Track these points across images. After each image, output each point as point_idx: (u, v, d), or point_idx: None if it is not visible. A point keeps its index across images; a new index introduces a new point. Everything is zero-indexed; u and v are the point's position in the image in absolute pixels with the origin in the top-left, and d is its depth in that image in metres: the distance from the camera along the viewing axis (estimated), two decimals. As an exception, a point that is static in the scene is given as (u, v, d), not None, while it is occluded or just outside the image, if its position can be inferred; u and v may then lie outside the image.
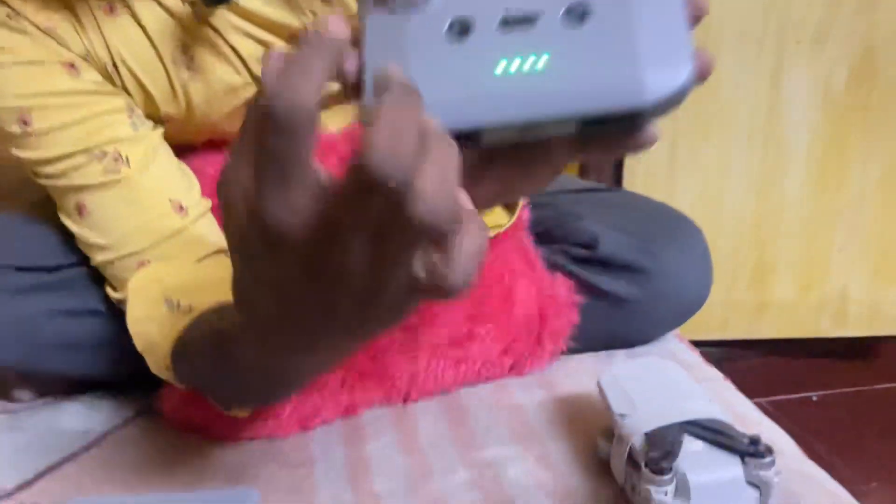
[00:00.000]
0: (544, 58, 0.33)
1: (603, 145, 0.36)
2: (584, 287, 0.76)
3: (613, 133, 0.36)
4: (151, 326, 0.57)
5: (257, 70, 0.68)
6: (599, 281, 0.77)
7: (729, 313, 1.53)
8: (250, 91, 0.69)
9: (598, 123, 0.33)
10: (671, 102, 0.33)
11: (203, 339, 0.51)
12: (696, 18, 0.34)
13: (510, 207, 0.70)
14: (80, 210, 0.63)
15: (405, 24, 0.35)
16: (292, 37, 0.67)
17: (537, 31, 0.33)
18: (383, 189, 0.26)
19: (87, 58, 0.62)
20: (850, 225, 1.49)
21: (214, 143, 0.75)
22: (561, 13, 0.33)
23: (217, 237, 0.64)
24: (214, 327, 0.50)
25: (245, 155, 0.30)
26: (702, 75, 0.34)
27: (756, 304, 1.53)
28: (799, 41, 1.36)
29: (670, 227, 0.81)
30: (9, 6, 0.59)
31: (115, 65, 0.63)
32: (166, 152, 0.66)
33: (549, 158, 0.39)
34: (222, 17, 0.64)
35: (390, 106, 0.26)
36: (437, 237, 0.28)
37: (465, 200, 0.31)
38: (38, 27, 0.60)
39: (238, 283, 0.35)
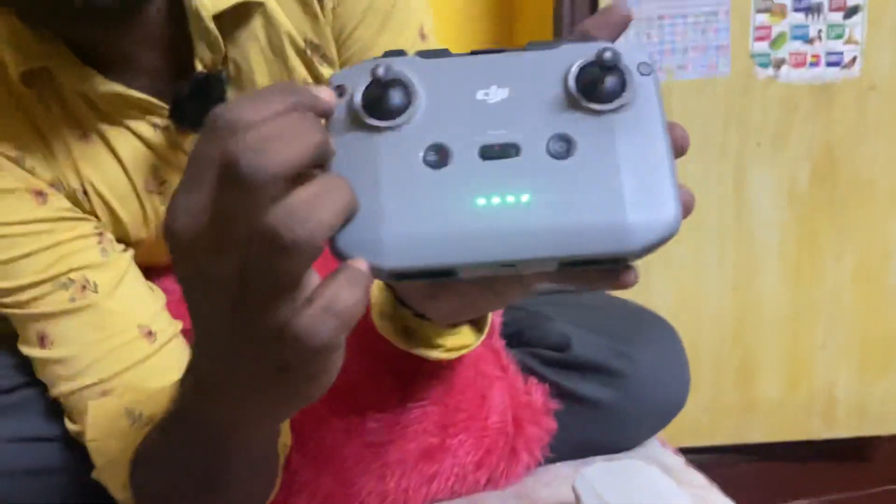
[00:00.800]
0: (527, 194, 0.31)
1: (581, 281, 0.35)
2: (558, 392, 0.74)
3: (593, 272, 0.34)
4: (111, 442, 0.54)
5: None
6: (573, 385, 0.75)
7: (716, 417, 1.50)
8: None
9: (578, 265, 0.32)
10: (657, 246, 0.31)
11: (158, 428, 0.49)
12: (679, 152, 0.34)
13: (478, 325, 0.62)
14: (42, 340, 0.61)
15: (377, 145, 0.32)
16: None
17: (519, 165, 0.31)
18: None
19: (56, 184, 0.61)
20: (830, 320, 1.49)
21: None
22: (544, 145, 0.32)
23: (185, 363, 0.62)
24: (166, 410, 0.47)
25: (195, 183, 0.31)
26: (686, 211, 0.33)
27: (743, 406, 1.50)
28: (759, 144, 1.40)
29: (644, 327, 0.80)
30: None
31: (85, 191, 0.62)
32: (135, 275, 0.65)
33: (522, 282, 0.38)
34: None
35: None
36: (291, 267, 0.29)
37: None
38: (5, 155, 0.59)
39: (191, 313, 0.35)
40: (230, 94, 0.63)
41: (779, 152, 1.41)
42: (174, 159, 0.65)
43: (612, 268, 0.33)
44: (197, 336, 0.36)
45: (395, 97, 0.33)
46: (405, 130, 0.33)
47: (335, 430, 0.67)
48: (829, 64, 1.38)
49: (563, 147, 0.32)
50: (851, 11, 1.37)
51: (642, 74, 0.33)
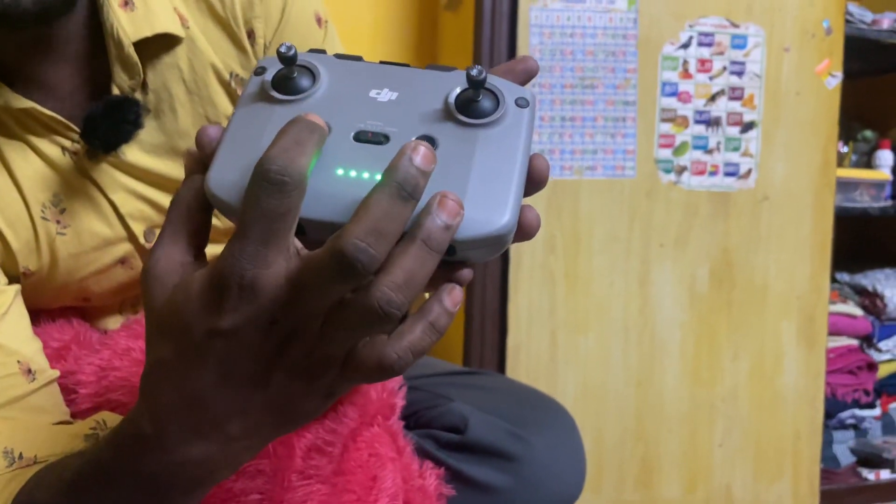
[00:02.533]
0: (379, 174, 0.34)
1: None
2: (453, 476, 0.72)
3: None
4: None
5: (135, 227, 0.65)
6: (469, 469, 0.73)
7: (619, 515, 1.49)
8: (122, 247, 0.65)
9: None
10: (481, 245, 0.34)
11: (57, 485, 0.44)
12: (536, 183, 0.37)
13: None
14: None
15: (272, 112, 0.37)
16: None
17: (385, 150, 0.35)
18: (353, 274, 0.30)
19: None
20: (727, 420, 1.53)
21: (66, 312, 0.70)
22: (411, 139, 0.36)
23: (59, 412, 0.58)
24: (71, 466, 0.43)
25: (177, 233, 0.34)
26: (526, 232, 0.36)
27: (645, 505, 1.50)
28: (662, 245, 1.46)
29: (543, 413, 0.80)
30: None
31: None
32: (19, 309, 0.60)
33: None
34: (105, 172, 0.62)
35: (379, 203, 0.31)
36: (387, 327, 0.32)
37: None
38: None
39: (166, 369, 0.35)
40: (146, 120, 0.62)
41: (680, 254, 1.47)
42: (79, 186, 0.62)
43: (448, 259, 0.35)
44: (169, 382, 0.35)
45: (299, 79, 0.38)
46: (299, 106, 0.37)
47: (212, 501, 0.63)
48: (727, 174, 1.47)
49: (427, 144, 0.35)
50: (747, 126, 1.48)
51: (519, 106, 0.37)
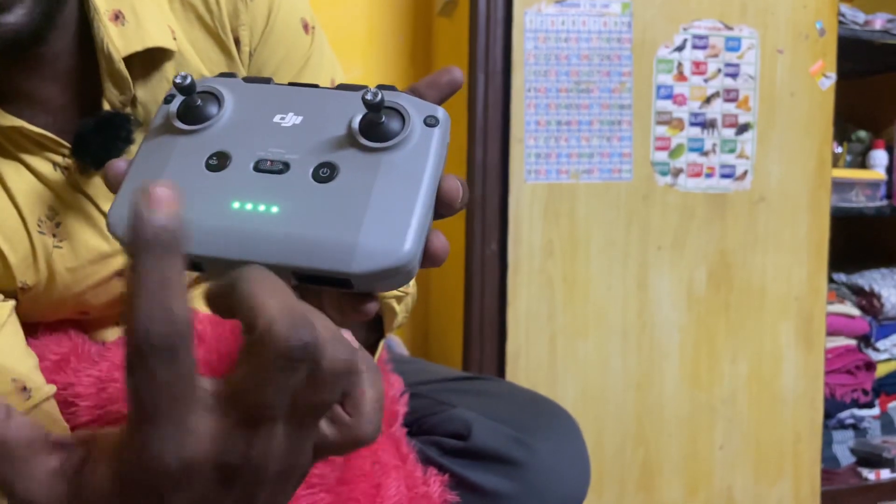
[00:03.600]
0: (277, 206, 0.33)
1: (328, 305, 0.37)
2: (457, 482, 0.72)
3: (336, 295, 0.36)
4: None
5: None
6: (473, 475, 0.73)
7: (621, 519, 1.49)
8: (119, 260, 0.64)
9: (315, 281, 0.33)
10: (382, 277, 0.33)
11: None
12: (446, 205, 0.35)
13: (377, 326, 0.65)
14: None
15: (175, 144, 0.36)
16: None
17: (284, 180, 0.34)
18: (300, 355, 0.26)
19: None
20: (726, 422, 1.52)
21: (64, 324, 0.69)
22: (311, 169, 0.35)
23: (57, 429, 0.57)
24: None
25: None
26: (433, 258, 0.34)
27: (646, 508, 1.50)
28: (660, 247, 1.46)
29: (546, 418, 0.79)
30: None
31: None
32: (14, 327, 0.60)
33: (330, 306, 0.38)
34: (99, 186, 0.62)
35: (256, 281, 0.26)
36: (348, 387, 0.30)
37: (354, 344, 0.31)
38: None
39: None
40: (137, 135, 0.61)
41: (678, 256, 1.47)
42: (72, 201, 0.61)
43: (345, 290, 0.34)
44: None
45: (205, 107, 0.37)
46: (201, 136, 0.36)
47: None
48: (723, 176, 1.48)
49: (327, 173, 0.35)
50: (743, 128, 1.48)
51: (428, 125, 0.36)
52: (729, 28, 1.46)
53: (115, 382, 0.65)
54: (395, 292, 0.63)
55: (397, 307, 0.66)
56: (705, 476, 1.52)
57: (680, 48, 1.44)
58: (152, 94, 0.62)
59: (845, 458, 1.77)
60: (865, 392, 1.78)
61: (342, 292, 0.35)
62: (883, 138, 1.91)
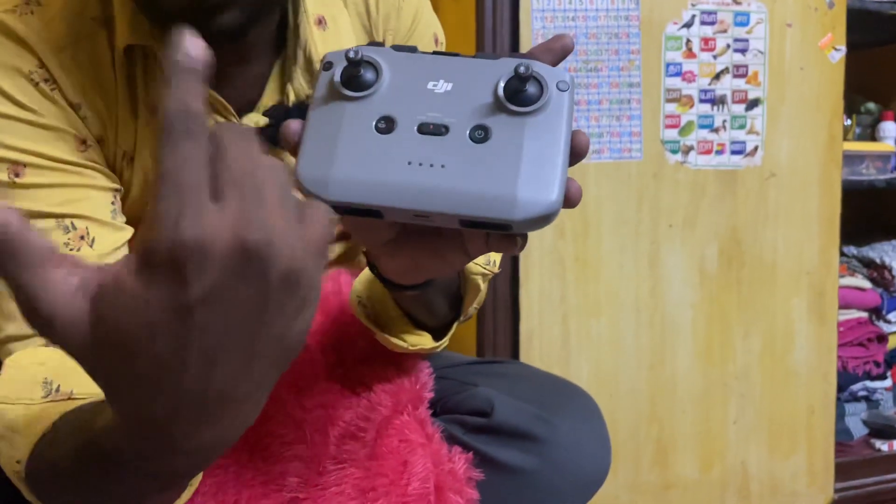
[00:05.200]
0: (442, 164, 0.39)
1: (485, 243, 0.44)
2: (481, 460, 0.73)
3: (491, 235, 0.43)
4: (18, 409, 0.49)
5: None
6: (495, 452, 0.74)
7: (635, 496, 1.50)
8: None
9: (476, 225, 0.40)
10: (538, 220, 0.40)
11: (73, 437, 0.43)
12: (577, 156, 0.42)
13: (437, 335, 0.69)
14: None
15: (344, 109, 0.41)
16: None
17: (445, 140, 0.40)
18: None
19: (101, 141, 0.64)
20: (740, 398, 1.53)
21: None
22: (468, 131, 0.40)
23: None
24: (87, 425, 0.41)
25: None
26: (570, 202, 0.40)
27: (661, 485, 1.51)
28: (671, 225, 1.47)
29: (566, 397, 0.80)
30: (49, 72, 0.61)
31: (131, 158, 0.64)
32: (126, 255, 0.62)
33: (458, 246, 0.45)
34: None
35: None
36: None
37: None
38: (68, 101, 0.62)
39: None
40: None
41: (689, 234, 1.47)
42: None
43: (506, 233, 0.42)
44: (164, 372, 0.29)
45: (365, 75, 0.42)
46: (367, 102, 0.41)
47: (252, 483, 0.63)
48: (734, 152, 1.48)
49: (482, 134, 0.40)
50: (753, 104, 1.48)
51: (559, 90, 0.42)
52: (737, 3, 1.45)
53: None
54: (482, 269, 0.67)
55: (482, 285, 0.69)
56: (719, 451, 1.53)
57: (688, 24, 1.43)
58: None
59: (858, 430, 1.78)
60: (877, 364, 1.78)
61: (492, 233, 0.42)
62: (892, 110, 1.91)
